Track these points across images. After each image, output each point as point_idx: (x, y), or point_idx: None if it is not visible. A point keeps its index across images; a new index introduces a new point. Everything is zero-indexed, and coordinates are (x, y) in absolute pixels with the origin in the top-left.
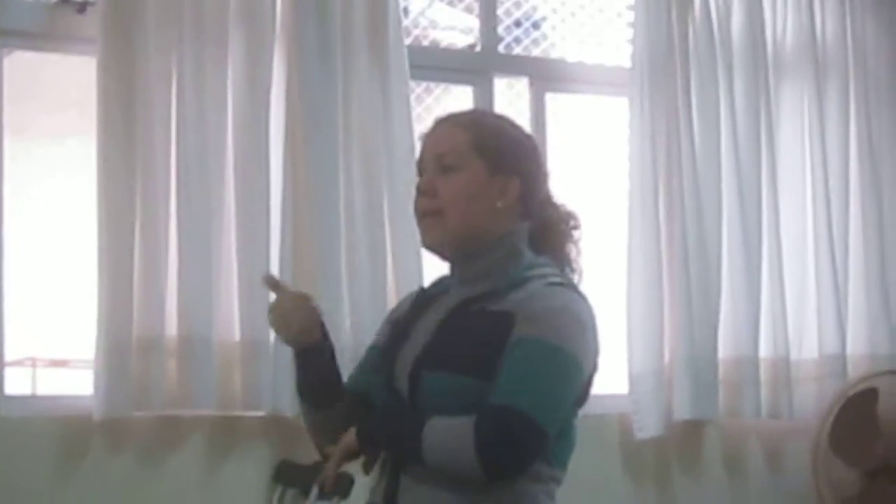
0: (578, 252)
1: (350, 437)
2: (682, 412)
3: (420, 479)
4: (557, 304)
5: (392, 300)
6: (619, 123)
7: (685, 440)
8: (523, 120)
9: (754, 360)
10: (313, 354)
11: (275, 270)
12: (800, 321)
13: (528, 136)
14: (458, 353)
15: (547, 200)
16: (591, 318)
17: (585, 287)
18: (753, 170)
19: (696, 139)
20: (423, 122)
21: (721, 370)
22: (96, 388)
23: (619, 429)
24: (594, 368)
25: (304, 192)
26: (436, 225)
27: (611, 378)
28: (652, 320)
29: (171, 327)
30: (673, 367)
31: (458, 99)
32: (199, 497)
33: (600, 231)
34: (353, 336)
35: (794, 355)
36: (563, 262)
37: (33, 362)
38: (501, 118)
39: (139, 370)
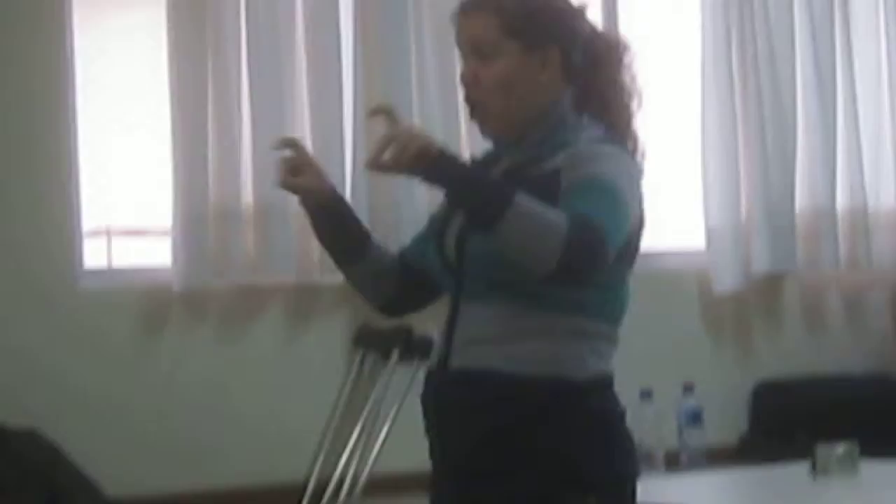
0: (633, 77)
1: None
2: (761, 265)
3: (471, 342)
4: (602, 151)
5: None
6: None
7: (764, 293)
8: None
9: (832, 211)
10: (333, 208)
11: (347, 134)
12: (876, 169)
13: None
14: None
15: (592, 34)
16: (636, 170)
17: (659, 142)
18: (826, 18)
19: None
20: None
21: (798, 222)
22: (174, 258)
23: (698, 284)
24: (640, 224)
25: (375, 53)
26: (485, 117)
27: (688, 233)
28: (728, 173)
29: (247, 195)
30: (750, 220)
31: None
32: (281, 364)
33: (674, 85)
34: (429, 205)
35: (871, 203)
36: (611, 111)
37: (108, 232)
38: None
39: (216, 239)
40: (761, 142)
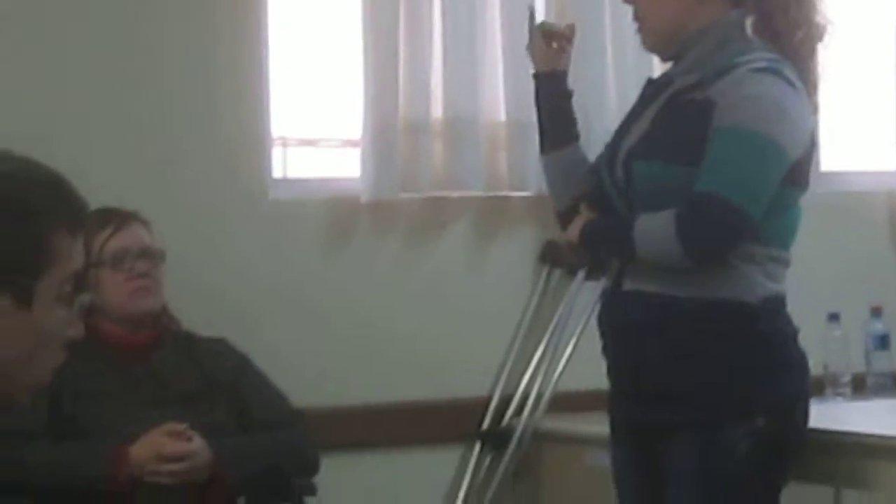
0: (812, 10)
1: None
2: None
3: (644, 264)
4: (757, 90)
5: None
6: None
7: None
8: None
9: None
10: (551, 82)
11: None
12: None
13: None
14: (663, 143)
15: None
16: (794, 101)
17: (853, 61)
18: None
19: None
20: None
21: None
22: (363, 170)
23: (888, 206)
24: (806, 150)
25: None
26: (643, 32)
27: (878, 153)
28: None
29: (437, 109)
30: None
31: None
32: (467, 277)
33: (872, 7)
34: (618, 106)
35: None
36: (782, 41)
37: (284, 142)
38: None
39: (406, 152)
40: None
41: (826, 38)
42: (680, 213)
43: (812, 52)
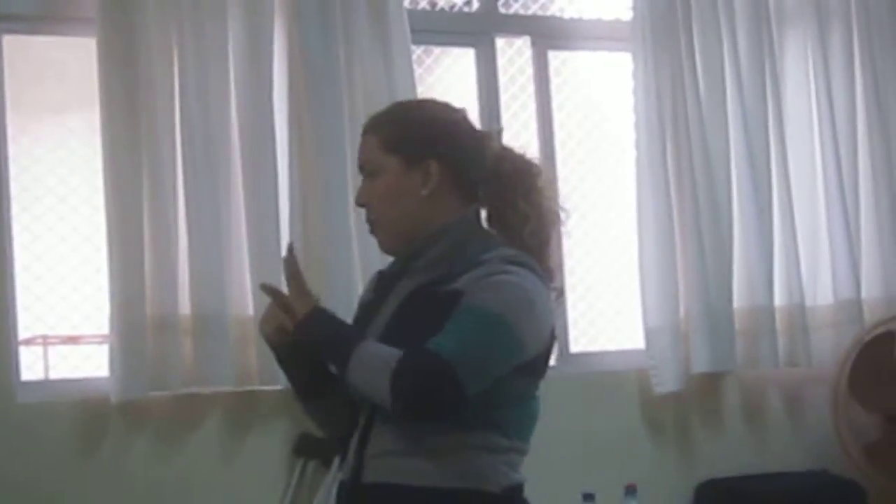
0: (545, 202)
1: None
2: (700, 365)
3: (384, 456)
4: (506, 278)
5: None
6: (625, 77)
7: (704, 393)
8: (526, 79)
9: (770, 310)
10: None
11: (284, 241)
12: (813, 268)
13: (446, 111)
14: (411, 334)
15: (502, 157)
16: (541, 296)
17: (596, 244)
18: (760, 119)
19: (701, 89)
20: (424, 84)
21: (737, 321)
22: (112, 369)
23: (638, 385)
24: (546, 345)
25: (311, 160)
26: (378, 234)
27: (627, 334)
28: (665, 274)
29: (185, 305)
30: (688, 321)
31: (460, 61)
32: (222, 473)
33: (609, 186)
34: None
35: (809, 302)
36: (523, 228)
37: (44, 340)
38: (413, 105)
39: (154, 350)
40: (698, 241)
41: (561, 224)
42: (402, 360)
43: (546, 240)
